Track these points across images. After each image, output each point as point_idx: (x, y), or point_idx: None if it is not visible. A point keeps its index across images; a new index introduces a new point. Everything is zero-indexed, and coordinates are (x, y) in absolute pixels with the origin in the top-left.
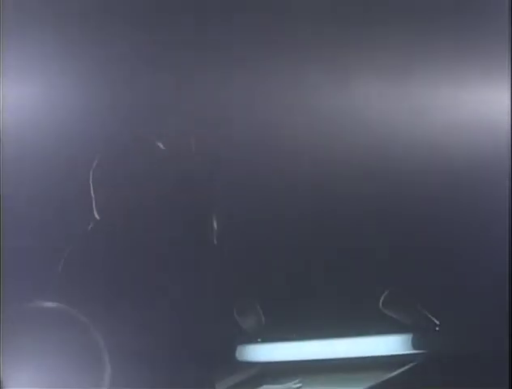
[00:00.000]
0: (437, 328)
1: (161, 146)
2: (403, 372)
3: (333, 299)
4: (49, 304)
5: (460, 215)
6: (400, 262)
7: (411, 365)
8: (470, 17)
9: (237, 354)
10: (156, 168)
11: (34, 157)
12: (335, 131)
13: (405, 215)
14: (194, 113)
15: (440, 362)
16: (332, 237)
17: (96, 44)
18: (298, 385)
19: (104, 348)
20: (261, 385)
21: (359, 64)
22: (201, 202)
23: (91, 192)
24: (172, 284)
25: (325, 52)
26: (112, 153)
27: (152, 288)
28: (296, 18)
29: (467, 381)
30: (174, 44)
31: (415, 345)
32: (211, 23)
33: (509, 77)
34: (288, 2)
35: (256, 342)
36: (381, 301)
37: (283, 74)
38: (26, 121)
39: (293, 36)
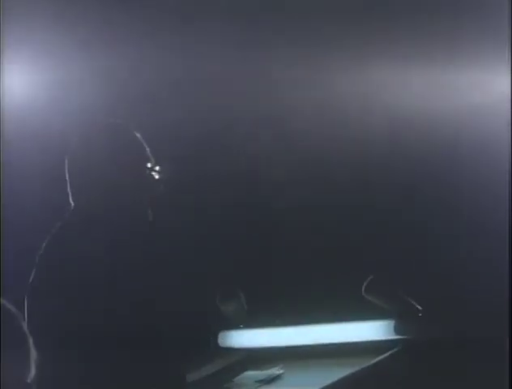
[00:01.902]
0: (420, 314)
1: (138, 135)
2: (385, 358)
3: (316, 285)
4: None
5: (447, 202)
6: (383, 249)
7: (394, 350)
8: (470, 9)
9: (220, 340)
10: (131, 158)
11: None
12: (338, 119)
13: (390, 202)
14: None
15: (422, 348)
16: (316, 224)
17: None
18: (280, 371)
19: (29, 334)
20: (243, 371)
21: (360, 53)
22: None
23: (67, 177)
24: (153, 269)
25: (321, 42)
26: (87, 139)
27: (134, 275)
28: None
29: (449, 367)
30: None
31: (397, 331)
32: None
33: (510, 68)
34: None
35: (238, 328)
36: (363, 287)
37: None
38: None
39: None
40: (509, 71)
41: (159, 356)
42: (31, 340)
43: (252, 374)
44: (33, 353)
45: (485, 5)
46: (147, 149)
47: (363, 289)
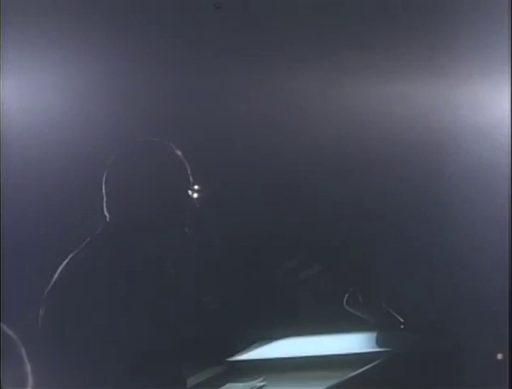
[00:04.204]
0: (402, 326)
1: (179, 153)
2: (367, 370)
3: (297, 297)
4: None
5: (440, 214)
6: (365, 260)
7: (376, 362)
8: (470, 17)
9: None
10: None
11: (46, 156)
12: (334, 132)
13: (378, 214)
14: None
15: (404, 360)
16: (298, 235)
17: (115, 43)
18: (262, 383)
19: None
20: (225, 383)
21: (356, 65)
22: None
23: (103, 190)
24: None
25: (322, 53)
26: (127, 155)
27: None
28: (294, 19)
29: (431, 379)
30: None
31: (379, 343)
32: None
33: (510, 76)
34: (287, 2)
35: None
36: (345, 299)
37: (282, 74)
38: (38, 120)
39: (291, 37)
40: (510, 83)
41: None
42: (28, 367)
43: (233, 385)
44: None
45: (486, 16)
46: (188, 168)
47: (344, 301)
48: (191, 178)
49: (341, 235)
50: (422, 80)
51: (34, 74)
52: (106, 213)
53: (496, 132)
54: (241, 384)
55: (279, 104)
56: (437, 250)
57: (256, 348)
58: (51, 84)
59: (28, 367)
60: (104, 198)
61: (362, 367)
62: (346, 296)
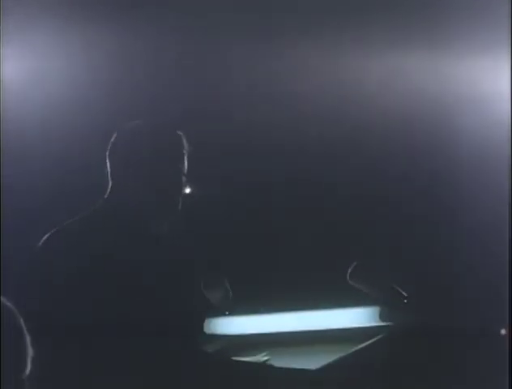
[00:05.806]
0: (405, 301)
1: (183, 139)
2: (370, 344)
3: (301, 272)
4: None
5: (437, 191)
6: (369, 235)
7: (379, 337)
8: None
9: (205, 327)
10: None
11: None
12: (332, 104)
13: (379, 190)
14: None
15: (407, 335)
16: (303, 211)
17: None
18: (266, 358)
19: (26, 331)
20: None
21: (356, 41)
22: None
23: (107, 165)
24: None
25: (322, 27)
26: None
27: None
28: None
29: (434, 353)
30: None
31: (382, 318)
32: None
33: (509, 50)
34: None
35: (224, 315)
36: (348, 273)
37: (281, 48)
38: (42, 97)
39: (290, 11)
40: (509, 58)
41: (144, 343)
42: (28, 338)
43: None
44: (30, 350)
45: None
46: (186, 152)
47: (348, 275)
48: (185, 162)
49: (344, 210)
50: (421, 55)
51: (35, 53)
52: (110, 181)
53: (495, 107)
54: (245, 358)
55: (277, 77)
56: (438, 225)
57: (259, 322)
58: (53, 63)
59: (28, 338)
60: (108, 170)
61: (365, 341)
62: (349, 270)
